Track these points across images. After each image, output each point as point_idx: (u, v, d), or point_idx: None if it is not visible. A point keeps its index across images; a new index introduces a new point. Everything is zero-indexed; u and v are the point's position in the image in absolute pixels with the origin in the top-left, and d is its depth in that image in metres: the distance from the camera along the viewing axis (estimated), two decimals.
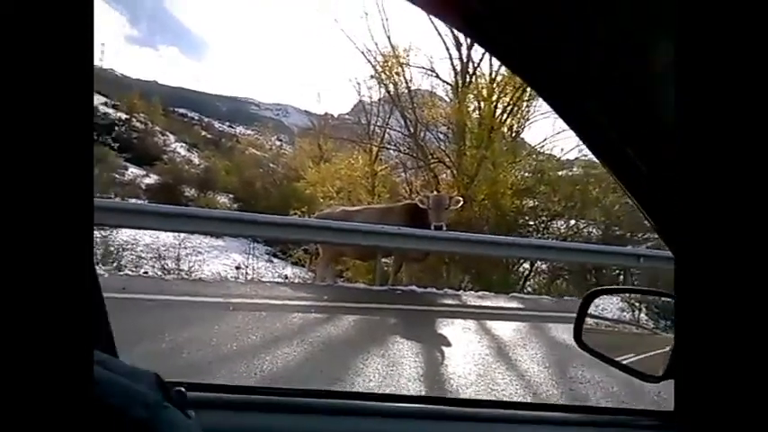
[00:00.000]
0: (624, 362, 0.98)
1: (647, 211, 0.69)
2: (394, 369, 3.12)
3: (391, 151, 12.94)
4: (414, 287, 5.82)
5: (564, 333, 4.02)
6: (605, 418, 0.93)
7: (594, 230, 9.71)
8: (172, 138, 32.91)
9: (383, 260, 6.49)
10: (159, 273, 6.41)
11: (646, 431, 0.85)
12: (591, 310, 1.22)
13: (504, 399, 2.81)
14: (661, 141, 0.58)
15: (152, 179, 19.77)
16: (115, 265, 6.54)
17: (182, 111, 56.48)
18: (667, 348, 0.87)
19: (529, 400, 2.87)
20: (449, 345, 3.76)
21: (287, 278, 7.72)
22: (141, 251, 7.93)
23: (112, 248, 7.08)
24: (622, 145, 0.61)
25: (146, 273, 6.23)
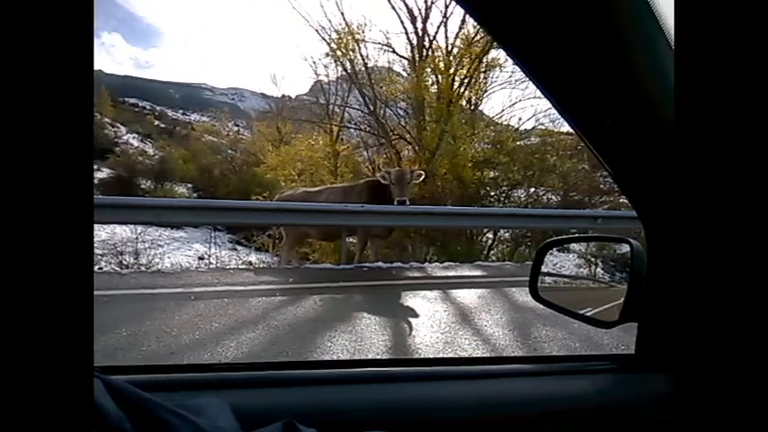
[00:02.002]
0: (591, 317, 0.99)
1: (618, 180, 0.76)
2: (361, 344, 3.12)
3: (352, 130, 12.84)
4: (380, 263, 5.83)
5: (527, 296, 4.15)
6: (564, 365, 0.93)
7: (554, 197, 9.96)
8: (123, 129, 31.65)
9: (348, 239, 6.46)
10: (116, 268, 6.15)
11: (605, 374, 0.85)
12: (549, 268, 1.23)
13: None
14: (645, 118, 0.61)
15: (104, 173, 18.93)
16: None
17: (132, 100, 54.33)
18: (621, 300, 0.88)
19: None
20: (416, 315, 3.79)
21: (251, 264, 7.58)
22: (96, 247, 7.59)
23: None
24: (606, 121, 0.64)
25: (101, 269, 5.97)
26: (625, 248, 0.88)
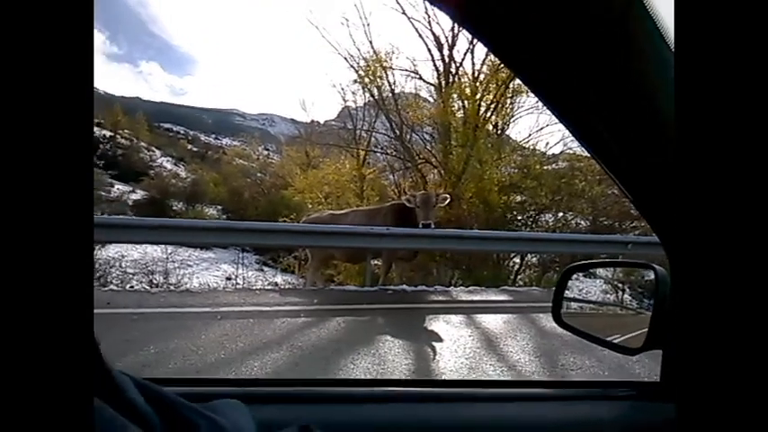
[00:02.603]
0: (615, 342, 0.97)
1: (638, 205, 0.75)
2: (384, 367, 3.10)
3: (378, 154, 13.01)
4: (404, 286, 5.80)
5: (553, 322, 4.07)
6: (584, 391, 0.92)
7: (583, 222, 9.77)
8: (158, 152, 32.86)
9: (373, 261, 6.46)
10: (147, 287, 6.32)
11: (626, 402, 0.84)
12: (574, 293, 1.22)
13: None
14: (662, 146, 0.61)
15: (139, 195, 19.67)
16: (101, 281, 6.46)
17: (167, 125, 56.59)
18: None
19: None
20: (440, 340, 3.74)
21: (277, 285, 7.66)
22: (128, 266, 7.82)
23: (98, 265, 6.99)
24: (624, 149, 0.65)
25: (132, 287, 6.15)
26: (652, 274, 0.87)
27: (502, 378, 3.02)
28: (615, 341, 0.99)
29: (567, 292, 1.14)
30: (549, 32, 0.50)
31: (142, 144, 32.16)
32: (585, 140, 0.66)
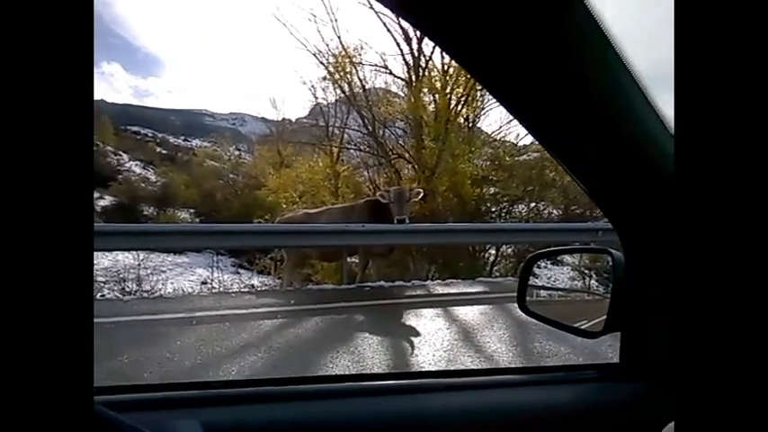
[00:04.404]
0: (577, 327, 1.00)
1: (592, 195, 0.77)
2: (363, 364, 3.11)
3: (352, 151, 12.92)
4: (382, 282, 5.81)
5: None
6: (549, 375, 0.95)
7: (555, 211, 9.95)
8: (125, 156, 31.93)
9: (349, 259, 6.46)
10: (119, 295, 6.16)
11: (589, 383, 0.87)
12: (543, 281, 1.25)
13: None
14: (599, 130, 0.63)
15: (107, 201, 19.06)
16: None
17: (134, 128, 54.91)
18: None
19: None
20: (417, 334, 3.77)
21: (254, 287, 7.56)
22: (98, 275, 7.59)
23: None
24: (582, 146, 0.66)
25: (103, 296, 5.98)
26: (610, 260, 0.90)
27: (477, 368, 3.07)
28: (582, 326, 1.02)
29: (533, 279, 1.17)
30: (497, 34, 0.51)
31: (108, 148, 31.15)
32: (541, 136, 0.68)
